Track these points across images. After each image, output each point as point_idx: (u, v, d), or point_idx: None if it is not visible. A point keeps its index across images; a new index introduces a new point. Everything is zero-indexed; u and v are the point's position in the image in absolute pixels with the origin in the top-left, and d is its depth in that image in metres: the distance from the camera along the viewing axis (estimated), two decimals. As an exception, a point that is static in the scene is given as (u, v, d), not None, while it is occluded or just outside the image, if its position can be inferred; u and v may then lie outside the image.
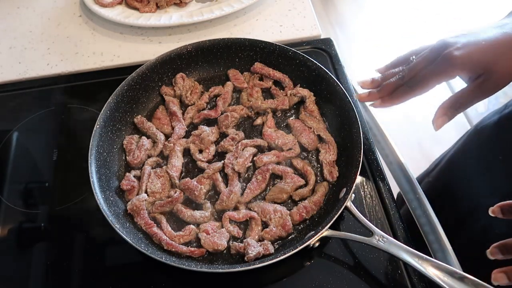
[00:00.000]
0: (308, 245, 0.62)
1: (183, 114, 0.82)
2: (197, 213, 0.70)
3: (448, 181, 0.93)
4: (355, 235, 0.63)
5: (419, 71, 0.67)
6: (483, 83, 0.64)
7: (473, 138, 0.89)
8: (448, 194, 0.90)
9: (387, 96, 0.71)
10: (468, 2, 2.81)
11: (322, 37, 0.98)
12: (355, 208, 0.65)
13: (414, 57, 0.71)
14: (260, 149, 0.78)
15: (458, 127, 2.20)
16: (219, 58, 0.87)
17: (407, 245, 0.60)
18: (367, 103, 0.81)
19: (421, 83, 0.67)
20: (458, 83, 0.66)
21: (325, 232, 0.63)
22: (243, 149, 0.76)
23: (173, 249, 0.65)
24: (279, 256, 0.60)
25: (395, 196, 0.75)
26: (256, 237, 0.67)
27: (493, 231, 0.76)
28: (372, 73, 0.78)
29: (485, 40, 0.64)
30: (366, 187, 0.74)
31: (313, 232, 0.64)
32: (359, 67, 2.50)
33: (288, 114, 0.83)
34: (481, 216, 0.80)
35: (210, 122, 0.82)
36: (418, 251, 0.59)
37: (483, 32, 0.65)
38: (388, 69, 0.76)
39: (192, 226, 0.68)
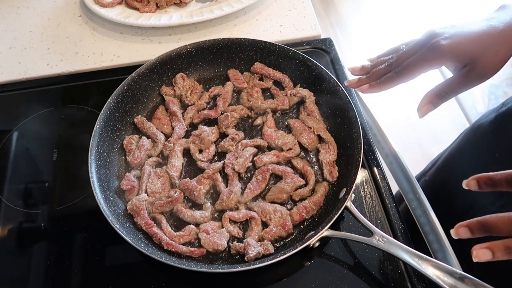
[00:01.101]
0: (308, 245, 0.62)
1: (183, 114, 0.82)
2: (197, 213, 0.70)
3: (444, 179, 0.93)
4: (355, 235, 0.63)
5: (407, 58, 0.70)
6: (468, 73, 0.66)
7: (470, 136, 0.90)
8: (444, 192, 0.90)
9: (375, 82, 0.74)
10: (469, 4, 2.81)
11: (322, 37, 0.98)
12: (355, 208, 0.65)
13: (404, 46, 0.74)
14: (260, 149, 0.78)
15: (458, 127, 2.20)
16: (219, 58, 0.87)
17: (407, 245, 0.60)
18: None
19: (408, 70, 0.69)
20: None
21: (325, 232, 0.63)
22: (243, 149, 0.76)
23: (173, 249, 0.65)
24: (279, 256, 0.60)
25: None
26: (256, 237, 0.67)
27: None
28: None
29: (472, 31, 0.66)
30: (366, 187, 0.74)
31: (313, 232, 0.64)
32: (359, 67, 2.50)
33: (288, 114, 0.83)
34: (476, 214, 0.80)
35: (210, 122, 0.82)
36: (418, 251, 0.59)
37: (471, 24, 0.67)
38: (379, 58, 0.78)
39: (192, 226, 0.68)
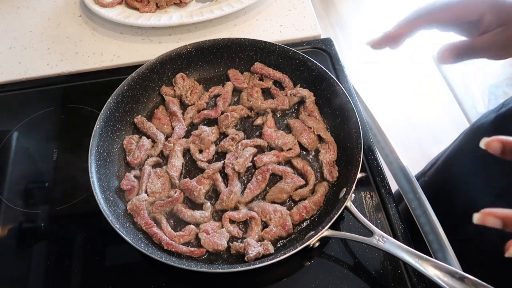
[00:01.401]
0: (308, 245, 0.62)
1: (183, 114, 0.82)
2: (197, 213, 0.70)
3: (444, 180, 0.93)
4: (355, 235, 0.63)
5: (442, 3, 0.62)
6: (500, 33, 0.60)
7: (470, 137, 0.90)
8: (444, 193, 0.90)
9: (404, 27, 0.63)
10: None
11: (322, 37, 0.98)
12: (355, 208, 0.65)
13: None
14: (260, 149, 0.78)
15: (458, 127, 2.20)
16: (219, 58, 0.87)
17: (407, 245, 0.60)
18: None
19: (444, 12, 0.61)
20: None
21: (325, 232, 0.63)
22: (243, 149, 0.76)
23: (173, 249, 0.65)
24: (279, 256, 0.60)
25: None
26: (256, 237, 0.67)
27: (489, 231, 0.75)
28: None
29: None
30: (366, 187, 0.74)
31: (313, 232, 0.64)
32: (359, 67, 2.50)
33: (288, 114, 0.83)
34: None
35: (210, 122, 0.82)
36: (418, 251, 0.59)
37: None
38: None
39: (192, 226, 0.68)
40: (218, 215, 0.71)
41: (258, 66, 0.86)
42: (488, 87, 2.36)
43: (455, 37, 0.64)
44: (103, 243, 0.71)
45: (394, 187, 0.75)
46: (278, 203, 0.71)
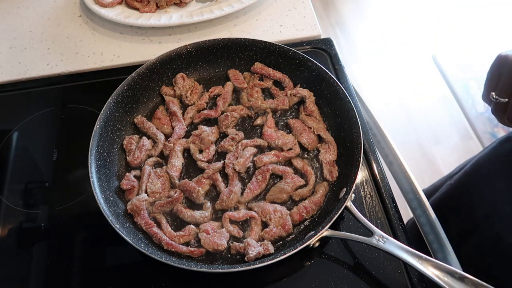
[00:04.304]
0: (308, 245, 0.62)
1: (183, 114, 0.82)
2: (197, 213, 0.70)
3: (469, 184, 0.92)
4: (355, 235, 0.63)
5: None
6: None
7: (504, 145, 0.88)
8: (466, 197, 0.89)
9: None
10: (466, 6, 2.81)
11: (322, 37, 0.98)
12: (355, 208, 0.65)
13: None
14: (260, 149, 0.78)
15: (458, 127, 2.21)
16: (219, 58, 0.87)
17: (407, 245, 0.60)
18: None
19: None
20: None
21: (325, 232, 0.63)
22: (243, 149, 0.76)
23: (173, 249, 0.65)
24: (279, 256, 0.60)
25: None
26: (256, 237, 0.67)
27: (506, 240, 0.75)
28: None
29: None
30: (366, 187, 0.74)
31: (313, 232, 0.64)
32: (359, 68, 2.50)
33: (288, 114, 0.83)
34: (496, 222, 0.79)
35: (210, 122, 0.82)
36: (418, 251, 0.59)
37: None
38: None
39: (192, 226, 0.68)
40: (218, 215, 0.71)
41: (258, 66, 0.86)
42: (488, 87, 2.36)
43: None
44: (103, 243, 0.71)
45: (394, 187, 0.75)
46: (278, 203, 0.71)
